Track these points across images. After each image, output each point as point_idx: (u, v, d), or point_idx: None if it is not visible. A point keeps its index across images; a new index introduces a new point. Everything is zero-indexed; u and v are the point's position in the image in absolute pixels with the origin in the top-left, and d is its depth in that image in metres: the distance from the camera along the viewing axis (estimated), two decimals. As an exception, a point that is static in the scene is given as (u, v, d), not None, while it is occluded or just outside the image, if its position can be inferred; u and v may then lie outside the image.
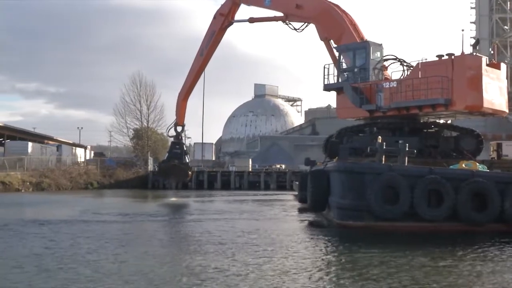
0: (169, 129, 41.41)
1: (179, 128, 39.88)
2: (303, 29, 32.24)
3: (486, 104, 23.95)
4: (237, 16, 37.07)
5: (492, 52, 51.15)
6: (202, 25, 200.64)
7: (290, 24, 32.62)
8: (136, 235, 19.12)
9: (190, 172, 40.08)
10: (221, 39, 37.79)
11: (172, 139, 41.10)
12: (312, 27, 31.13)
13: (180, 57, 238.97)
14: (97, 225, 21.70)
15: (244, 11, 36.00)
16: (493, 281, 11.82)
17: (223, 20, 36.34)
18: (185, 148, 40.34)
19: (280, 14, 32.91)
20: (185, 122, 40.52)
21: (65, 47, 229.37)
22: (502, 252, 15.65)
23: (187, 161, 40.06)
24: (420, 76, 24.59)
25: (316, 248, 16.38)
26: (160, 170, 38.28)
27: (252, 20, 35.72)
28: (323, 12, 29.62)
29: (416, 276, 12.13)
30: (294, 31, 32.60)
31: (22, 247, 15.90)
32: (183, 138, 41.36)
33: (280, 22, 33.32)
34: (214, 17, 37.11)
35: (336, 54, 28.91)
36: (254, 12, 35.52)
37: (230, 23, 36.85)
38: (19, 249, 15.47)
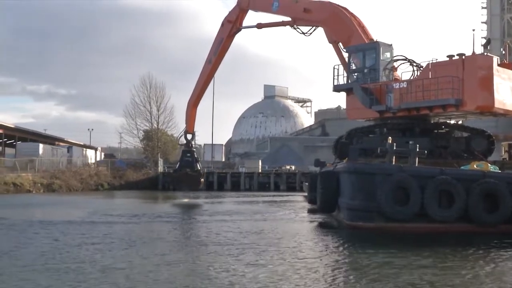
0: (180, 138, 41.86)
1: (189, 136, 40.16)
2: (311, 33, 32.19)
3: (497, 105, 23.72)
4: (245, 22, 37.13)
5: (503, 52, 50.73)
6: (211, 26, 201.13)
7: (298, 28, 32.55)
8: (144, 235, 19.04)
9: (202, 180, 40.14)
10: (229, 46, 37.87)
11: (182, 147, 41.29)
12: (320, 30, 31.07)
13: (189, 58, 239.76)
14: (105, 226, 21.72)
15: (252, 17, 36.18)
16: (500, 284, 11.70)
17: (231, 27, 36.46)
18: (196, 156, 40.51)
19: (288, 18, 32.88)
20: (195, 130, 40.78)
21: (75, 48, 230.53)
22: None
23: (199, 168, 40.23)
24: (430, 77, 24.41)
25: (326, 249, 16.29)
26: (172, 180, 38.54)
27: (260, 25, 35.81)
28: (331, 15, 29.51)
29: (423, 277, 12.01)
30: (302, 35, 32.57)
31: (28, 247, 15.94)
32: (193, 145, 41.49)
33: (288, 26, 33.29)
34: (222, 24, 37.21)
35: (346, 55, 28.79)
36: (262, 17, 35.83)
37: (238, 30, 36.95)
38: (25, 249, 15.52)
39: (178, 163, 40.91)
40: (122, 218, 25.31)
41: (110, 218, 25.17)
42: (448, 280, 11.76)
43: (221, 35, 37.22)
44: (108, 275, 11.87)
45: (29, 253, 14.86)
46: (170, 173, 39.77)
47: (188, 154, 39.67)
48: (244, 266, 12.97)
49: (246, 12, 36.24)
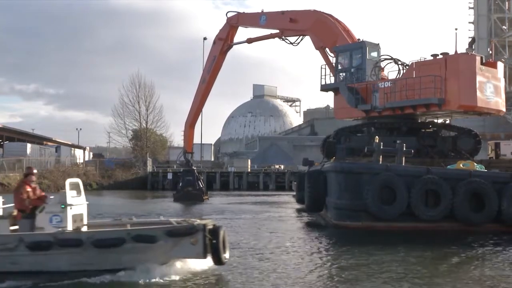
0: (179, 158, 42.20)
1: (188, 156, 40.32)
2: (298, 43, 32.83)
3: (480, 103, 23.85)
4: (235, 38, 37.54)
5: (490, 51, 51.19)
6: (201, 27, 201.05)
7: (286, 39, 33.20)
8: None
9: (206, 196, 40.07)
10: (222, 63, 38.30)
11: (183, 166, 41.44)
12: (307, 38, 31.60)
13: (180, 58, 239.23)
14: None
15: (241, 31, 36.86)
16: (485, 282, 11.80)
17: (223, 44, 36.96)
18: (196, 174, 40.53)
19: (276, 30, 33.56)
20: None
21: (64, 48, 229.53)
22: (497, 253, 15.59)
23: (201, 186, 40.22)
24: (414, 76, 24.56)
25: (312, 249, 16.29)
26: (175, 200, 38.53)
27: (250, 40, 36.41)
28: (317, 22, 30.14)
29: (410, 276, 12.11)
30: (291, 45, 33.16)
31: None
32: (193, 164, 41.62)
33: (276, 38, 33.79)
34: (214, 42, 37.90)
35: (332, 59, 29.04)
36: (251, 32, 36.47)
37: (230, 47, 37.58)
38: None
39: (180, 183, 40.72)
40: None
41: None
42: (445, 280, 11.80)
43: (213, 53, 37.80)
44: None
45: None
46: (173, 194, 39.87)
47: (189, 174, 39.73)
48: (232, 265, 12.86)
49: (236, 28, 36.90)
